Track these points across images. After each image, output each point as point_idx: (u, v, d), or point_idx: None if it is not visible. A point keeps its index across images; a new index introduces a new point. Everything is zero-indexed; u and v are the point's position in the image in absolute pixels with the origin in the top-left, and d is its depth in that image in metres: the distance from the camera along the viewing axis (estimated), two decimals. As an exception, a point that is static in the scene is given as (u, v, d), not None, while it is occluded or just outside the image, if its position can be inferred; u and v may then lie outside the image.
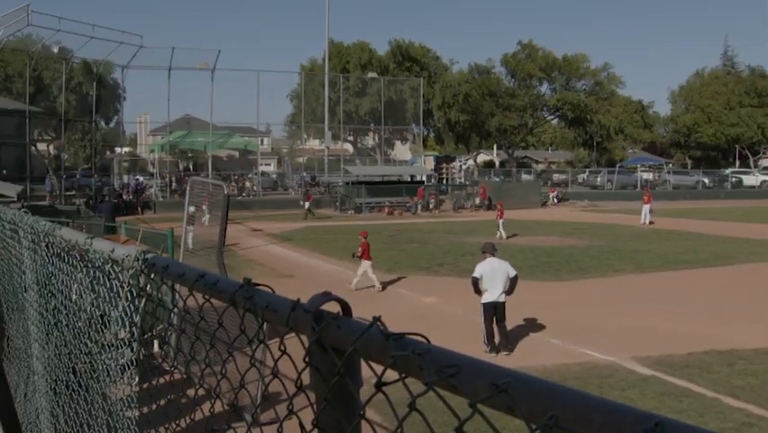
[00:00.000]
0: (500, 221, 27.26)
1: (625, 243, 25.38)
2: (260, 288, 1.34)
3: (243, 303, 1.30)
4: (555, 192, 50.83)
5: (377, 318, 1.00)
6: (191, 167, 53.27)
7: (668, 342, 11.41)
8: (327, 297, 1.16)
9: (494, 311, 11.04)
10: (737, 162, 76.87)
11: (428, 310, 14.13)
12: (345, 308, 1.15)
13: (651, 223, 33.41)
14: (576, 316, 13.39)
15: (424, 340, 0.95)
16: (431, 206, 42.99)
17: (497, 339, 11.15)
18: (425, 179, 49.72)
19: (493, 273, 11.09)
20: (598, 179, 60.06)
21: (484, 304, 11.12)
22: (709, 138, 73.77)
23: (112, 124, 55.06)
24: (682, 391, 9.01)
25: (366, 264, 16.16)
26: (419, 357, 0.87)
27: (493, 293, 11.06)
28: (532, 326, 12.60)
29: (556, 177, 65.01)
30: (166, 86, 44.17)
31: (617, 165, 64.34)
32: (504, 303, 11.13)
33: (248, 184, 48.95)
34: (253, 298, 1.28)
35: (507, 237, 26.41)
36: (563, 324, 12.73)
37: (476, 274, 11.23)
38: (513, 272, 11.23)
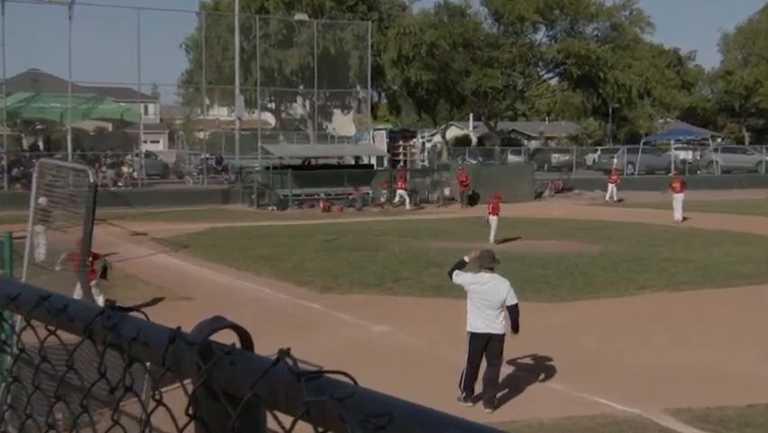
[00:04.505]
0: (493, 218, 27.49)
1: (652, 248, 25.80)
2: (130, 314, 1.35)
3: (104, 335, 1.30)
4: (616, 179, 47.91)
5: (284, 352, 1.01)
6: (41, 144, 52.22)
7: (718, 388, 11.49)
8: (219, 323, 1.17)
9: (484, 347, 10.94)
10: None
11: (378, 343, 14.21)
12: (245, 338, 1.15)
13: (682, 219, 34.19)
14: (584, 349, 13.58)
15: (349, 381, 0.98)
16: (382, 199, 43.35)
17: (478, 387, 11.11)
18: (374, 162, 49.76)
19: (484, 294, 11.00)
20: (615, 160, 60.83)
21: (471, 334, 11.04)
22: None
23: None
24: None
25: None
26: (339, 403, 0.89)
27: (484, 320, 10.96)
28: (522, 363, 12.67)
29: (556, 158, 65.52)
30: (-2, 26, 43.06)
31: (642, 141, 65.08)
32: (501, 337, 10.99)
33: (126, 169, 48.25)
34: (118, 327, 1.29)
35: (498, 242, 26.56)
36: (566, 361, 12.83)
37: (459, 275, 11.27)
38: (512, 299, 11.12)
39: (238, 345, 1.16)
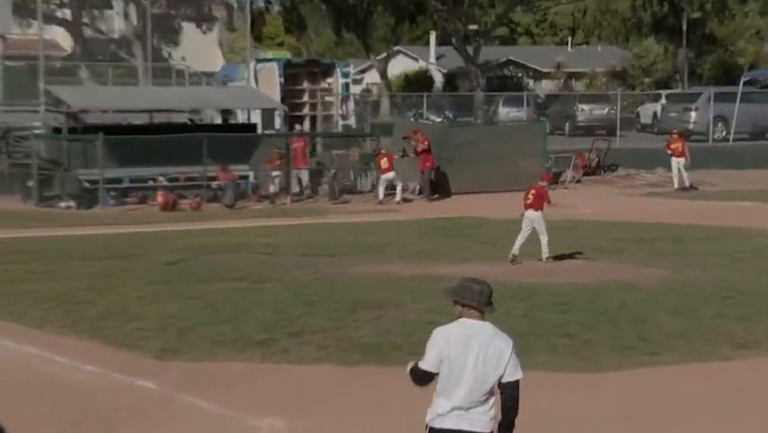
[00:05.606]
0: (535, 215, 27.76)
1: (761, 275, 26.05)
2: None
3: None
4: (681, 150, 47.52)
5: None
6: None
7: None
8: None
9: None
10: None
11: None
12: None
13: None
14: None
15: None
16: (273, 187, 43.77)
17: None
18: (259, 120, 49.52)
19: (465, 357, 10.39)
20: (693, 114, 61.34)
21: (432, 430, 10.54)
22: None
23: None
24: None
25: None
26: None
27: (456, 402, 10.45)
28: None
29: (585, 112, 65.70)
30: None
31: (743, 79, 66.07)
32: None
33: None
34: None
35: (548, 258, 27.59)
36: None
37: (429, 357, 10.53)
38: (514, 372, 10.52)
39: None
